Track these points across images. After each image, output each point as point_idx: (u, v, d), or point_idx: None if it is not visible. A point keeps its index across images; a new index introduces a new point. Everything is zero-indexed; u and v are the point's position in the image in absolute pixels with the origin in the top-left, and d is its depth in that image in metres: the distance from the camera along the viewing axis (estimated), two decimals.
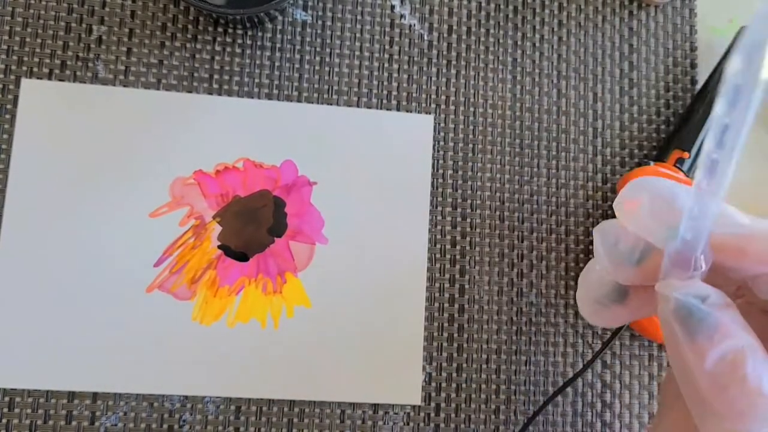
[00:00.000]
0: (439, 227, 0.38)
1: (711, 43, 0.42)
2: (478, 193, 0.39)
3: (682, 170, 0.38)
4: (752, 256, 0.18)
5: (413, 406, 0.36)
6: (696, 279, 0.19)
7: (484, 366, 0.37)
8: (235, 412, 0.35)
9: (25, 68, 0.36)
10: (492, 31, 0.40)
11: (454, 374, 0.37)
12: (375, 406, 0.36)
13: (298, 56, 0.38)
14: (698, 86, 0.41)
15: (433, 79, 0.39)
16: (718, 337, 0.18)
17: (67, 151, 0.35)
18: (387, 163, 0.38)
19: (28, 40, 0.36)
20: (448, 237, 0.38)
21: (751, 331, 0.18)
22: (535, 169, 0.39)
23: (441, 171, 0.38)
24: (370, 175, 0.37)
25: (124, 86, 0.37)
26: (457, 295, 0.37)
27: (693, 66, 0.42)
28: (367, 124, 0.38)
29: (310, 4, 0.39)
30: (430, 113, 0.39)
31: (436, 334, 0.37)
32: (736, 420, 0.17)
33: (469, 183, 0.39)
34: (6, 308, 0.34)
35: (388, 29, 0.39)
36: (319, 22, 0.39)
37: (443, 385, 0.37)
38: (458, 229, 0.38)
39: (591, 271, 0.22)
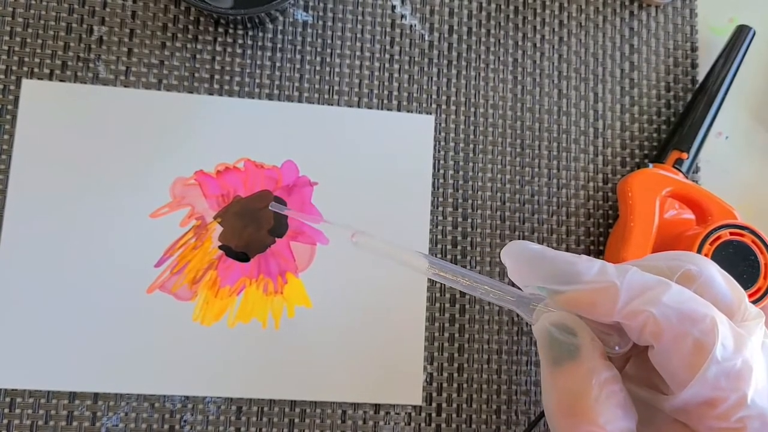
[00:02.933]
0: (440, 227, 0.38)
1: (711, 43, 0.42)
2: (479, 193, 0.39)
3: (681, 171, 0.38)
4: (600, 309, 0.20)
5: (414, 407, 0.36)
6: (567, 312, 0.20)
7: (485, 366, 0.37)
8: (236, 413, 0.35)
9: (25, 69, 0.36)
10: (493, 31, 0.40)
11: (456, 374, 0.37)
12: (376, 407, 0.36)
13: (298, 56, 0.38)
14: None
15: (434, 79, 0.39)
16: (571, 367, 0.19)
17: (68, 151, 0.35)
18: (388, 164, 0.38)
19: (28, 40, 0.36)
20: (449, 237, 0.38)
21: (610, 366, 0.19)
22: (536, 170, 0.39)
23: (442, 171, 0.38)
24: (371, 175, 0.37)
25: (125, 87, 0.37)
26: (458, 295, 0.37)
27: (694, 66, 0.42)
28: (368, 125, 0.38)
29: (311, 4, 0.39)
30: (430, 113, 0.39)
31: (437, 334, 0.37)
32: None
33: (470, 183, 0.39)
34: (6, 308, 0.34)
35: (389, 29, 0.39)
36: (320, 23, 0.39)
37: (444, 385, 0.37)
38: (459, 229, 0.38)
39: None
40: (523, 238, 0.39)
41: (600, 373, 0.19)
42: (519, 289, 0.22)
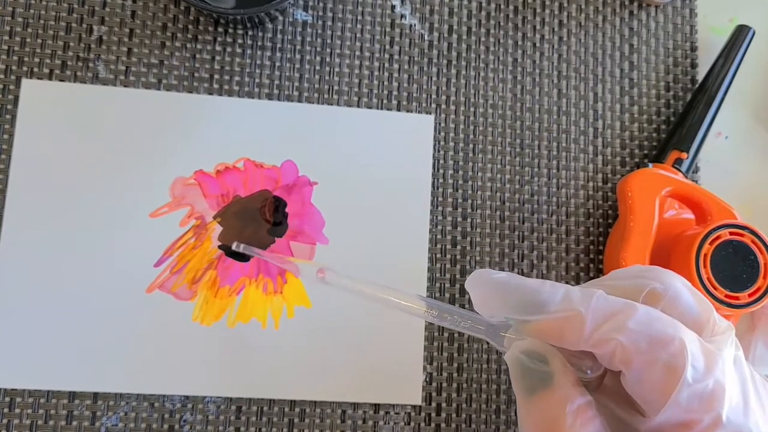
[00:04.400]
0: (439, 227, 0.38)
1: (711, 43, 0.42)
2: (479, 192, 0.39)
3: (680, 170, 0.38)
4: (567, 338, 0.19)
5: (414, 406, 0.36)
6: (536, 341, 0.20)
7: (484, 366, 0.37)
8: (236, 412, 0.35)
9: (25, 68, 0.36)
10: (492, 31, 0.40)
11: (455, 374, 0.37)
12: (376, 406, 0.36)
13: (298, 56, 0.38)
14: None
15: (434, 79, 0.39)
16: (545, 395, 0.19)
17: (68, 151, 0.35)
18: (388, 163, 0.38)
19: (28, 40, 0.36)
20: (449, 237, 0.38)
21: (584, 392, 0.19)
22: (536, 169, 0.39)
23: (441, 171, 0.38)
24: (370, 175, 0.37)
25: (125, 86, 0.37)
26: (457, 295, 0.37)
27: (693, 66, 0.42)
28: (368, 124, 0.38)
29: (310, 4, 0.39)
30: (430, 113, 0.39)
31: (436, 334, 0.37)
32: None
33: (470, 183, 0.39)
34: (6, 308, 0.34)
35: (388, 29, 0.39)
36: (320, 22, 0.39)
37: (444, 385, 0.37)
38: (459, 229, 0.38)
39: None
40: (523, 238, 0.39)
41: (574, 401, 0.19)
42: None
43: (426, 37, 0.40)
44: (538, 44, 0.40)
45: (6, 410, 0.33)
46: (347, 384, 0.35)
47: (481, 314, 0.22)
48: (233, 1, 0.36)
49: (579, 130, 0.40)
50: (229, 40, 0.38)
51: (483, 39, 0.40)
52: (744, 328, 0.39)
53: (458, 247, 0.38)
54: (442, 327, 0.37)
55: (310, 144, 0.37)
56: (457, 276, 0.38)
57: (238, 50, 0.38)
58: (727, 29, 0.42)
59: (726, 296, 0.33)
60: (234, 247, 0.33)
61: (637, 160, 0.40)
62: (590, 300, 0.19)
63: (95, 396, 0.34)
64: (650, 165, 0.38)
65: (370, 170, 0.37)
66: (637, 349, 0.18)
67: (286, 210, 0.37)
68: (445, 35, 0.40)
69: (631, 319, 0.19)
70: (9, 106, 0.36)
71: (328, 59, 0.38)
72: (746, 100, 0.42)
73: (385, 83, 0.39)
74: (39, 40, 0.36)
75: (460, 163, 0.39)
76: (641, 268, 0.21)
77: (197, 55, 0.37)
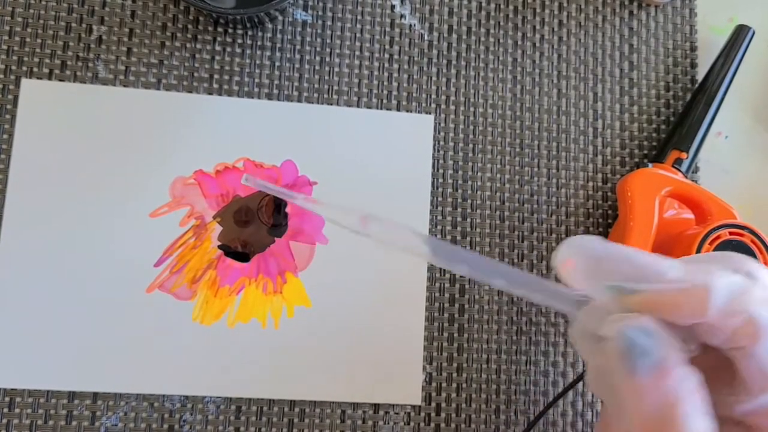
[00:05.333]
0: (439, 227, 0.38)
1: (711, 43, 0.42)
2: (479, 192, 0.39)
3: (680, 170, 0.38)
4: (685, 310, 0.18)
5: (413, 406, 0.36)
6: (645, 316, 0.19)
7: (484, 366, 0.37)
8: (236, 412, 0.35)
9: (25, 68, 0.36)
10: (492, 31, 0.40)
11: (455, 374, 0.37)
12: (375, 406, 0.36)
13: (298, 56, 0.38)
14: None
15: (434, 79, 0.39)
16: (658, 376, 0.18)
17: (67, 151, 0.35)
18: (387, 163, 0.38)
19: (28, 40, 0.36)
20: (449, 237, 0.38)
21: (694, 373, 0.18)
22: (536, 169, 0.39)
23: (441, 171, 0.38)
24: (370, 174, 0.37)
25: (124, 86, 0.37)
26: (457, 295, 0.37)
27: (693, 66, 0.42)
28: (368, 124, 0.38)
29: (310, 4, 0.39)
30: (430, 113, 0.39)
31: (436, 334, 0.37)
32: None
33: (470, 183, 0.39)
34: (6, 308, 0.34)
35: (388, 29, 0.39)
36: (320, 22, 0.39)
37: (443, 385, 0.37)
38: (458, 228, 0.38)
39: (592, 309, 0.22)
40: (523, 238, 0.39)
41: (690, 381, 0.18)
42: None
43: (426, 37, 0.40)
44: (537, 44, 0.40)
45: (6, 410, 0.34)
46: (347, 384, 0.35)
47: (574, 283, 0.20)
48: (233, 1, 0.36)
49: (579, 130, 0.40)
50: (228, 39, 0.38)
51: (483, 39, 0.40)
52: None
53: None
54: (442, 327, 0.37)
55: (310, 144, 0.37)
56: (457, 276, 0.38)
57: (238, 50, 0.38)
58: (727, 29, 0.42)
59: None
60: (243, 181, 0.29)
61: (636, 160, 0.40)
62: (711, 273, 0.18)
63: (95, 396, 0.34)
64: (650, 165, 0.38)
65: (369, 170, 0.37)
66: (765, 324, 0.18)
67: (287, 210, 0.37)
68: (445, 35, 0.40)
69: (754, 294, 0.18)
70: (9, 106, 0.36)
71: (327, 59, 0.38)
72: (746, 100, 0.42)
73: (385, 83, 0.39)
74: (39, 40, 0.36)
75: (460, 162, 0.39)
76: (720, 253, 0.20)
77: (197, 55, 0.37)
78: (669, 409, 0.17)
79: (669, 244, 0.35)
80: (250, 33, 0.38)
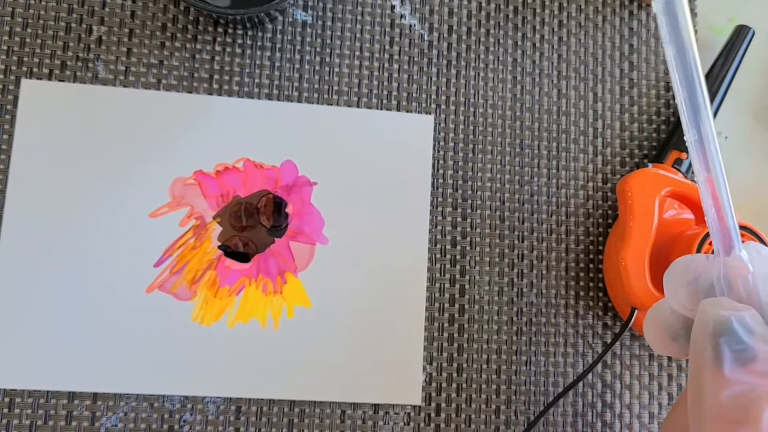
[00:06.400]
0: (439, 227, 0.38)
1: (711, 43, 0.42)
2: (479, 193, 0.39)
3: (680, 170, 0.38)
4: None
5: (414, 407, 0.36)
6: (749, 308, 0.18)
7: (484, 366, 0.37)
8: (236, 413, 0.35)
9: (25, 69, 0.36)
10: (492, 31, 0.40)
11: (455, 374, 0.37)
12: (375, 407, 0.36)
13: (298, 56, 0.38)
14: None
15: (434, 79, 0.39)
16: (749, 370, 0.17)
17: (67, 151, 0.35)
18: (387, 164, 0.38)
19: (28, 40, 0.36)
20: (449, 237, 0.38)
21: None
22: (536, 169, 0.39)
23: (441, 171, 0.38)
24: (370, 175, 0.37)
25: (124, 86, 0.37)
26: (457, 296, 0.37)
27: None
28: (368, 125, 0.38)
29: (310, 4, 0.39)
30: (430, 113, 0.39)
31: (436, 334, 0.37)
32: None
33: (470, 183, 0.39)
34: (6, 308, 0.34)
35: (388, 29, 0.39)
36: (320, 23, 0.39)
37: (444, 385, 0.37)
38: (458, 229, 0.38)
39: (662, 308, 0.22)
40: (523, 238, 0.39)
41: None
42: None
43: (426, 37, 0.40)
44: (537, 44, 0.40)
45: (6, 410, 0.33)
46: (347, 384, 0.35)
47: (685, 306, 0.21)
48: (233, 1, 0.36)
49: (579, 131, 0.40)
50: (228, 40, 0.38)
51: (483, 39, 0.40)
52: None
53: (458, 248, 0.38)
54: (442, 327, 0.37)
55: (309, 144, 0.37)
56: (457, 276, 0.37)
57: (238, 50, 0.38)
58: (727, 29, 0.42)
59: None
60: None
61: (636, 160, 0.40)
62: None
63: (95, 396, 0.34)
64: (650, 165, 0.38)
65: (369, 170, 0.37)
66: None
67: (287, 210, 0.37)
68: (445, 35, 0.40)
69: None
70: (9, 106, 0.36)
71: (327, 59, 0.38)
72: (746, 100, 0.42)
73: (385, 83, 0.39)
74: (38, 41, 0.36)
75: (460, 163, 0.39)
76: None
77: (197, 55, 0.37)
78: (757, 403, 0.17)
79: (669, 245, 0.35)
80: (250, 33, 0.38)
